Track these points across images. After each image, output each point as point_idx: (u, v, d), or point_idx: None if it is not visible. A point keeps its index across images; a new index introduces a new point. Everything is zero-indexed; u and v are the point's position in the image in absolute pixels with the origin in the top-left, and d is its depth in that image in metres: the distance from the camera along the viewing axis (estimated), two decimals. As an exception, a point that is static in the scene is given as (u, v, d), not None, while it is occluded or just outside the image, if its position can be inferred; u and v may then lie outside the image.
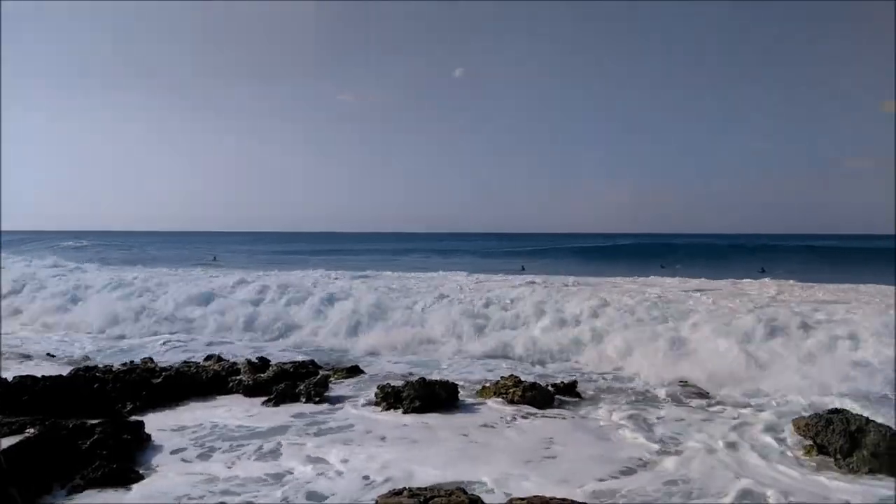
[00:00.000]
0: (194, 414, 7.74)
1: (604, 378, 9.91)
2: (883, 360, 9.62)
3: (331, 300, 15.55)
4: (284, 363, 9.64)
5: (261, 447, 6.49)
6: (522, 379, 8.78)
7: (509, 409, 8.09)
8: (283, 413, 7.80)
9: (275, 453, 6.33)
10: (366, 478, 5.70)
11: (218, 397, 8.55)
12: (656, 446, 6.63)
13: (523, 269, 36.29)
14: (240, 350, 12.08)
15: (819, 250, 49.61)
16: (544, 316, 13.77)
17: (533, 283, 20.99)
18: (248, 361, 9.59)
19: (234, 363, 9.58)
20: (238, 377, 8.87)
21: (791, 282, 23.89)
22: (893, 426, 6.19)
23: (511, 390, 8.40)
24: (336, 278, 21.85)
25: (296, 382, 8.58)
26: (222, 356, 10.48)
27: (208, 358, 10.13)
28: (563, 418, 7.74)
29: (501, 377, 9.01)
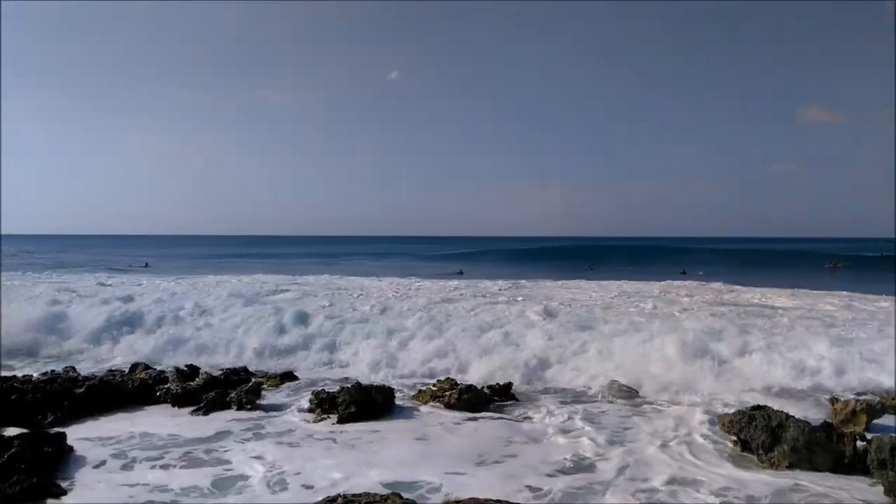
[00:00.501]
0: (120, 425, 7.44)
1: (539, 380, 10.03)
2: (803, 358, 10.15)
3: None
4: (215, 371, 9.40)
5: (190, 457, 6.31)
6: (458, 382, 8.84)
7: (446, 412, 8.12)
8: (214, 422, 7.58)
9: (204, 463, 6.16)
10: (299, 486, 5.62)
11: (146, 407, 8.25)
12: (589, 445, 6.77)
13: (461, 272, 36.65)
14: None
15: (742, 253, 51.77)
16: (481, 319, 13.93)
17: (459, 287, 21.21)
18: (177, 369, 9.29)
19: (162, 371, 9.27)
20: (166, 386, 8.58)
21: (718, 284, 25.12)
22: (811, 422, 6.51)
23: (447, 393, 8.43)
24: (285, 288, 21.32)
25: (227, 390, 8.37)
26: (149, 364, 10.12)
27: (134, 366, 9.75)
28: (500, 420, 7.82)
29: (438, 380, 9.04)
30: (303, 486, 5.62)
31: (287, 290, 20.05)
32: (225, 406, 8.09)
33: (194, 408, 8.05)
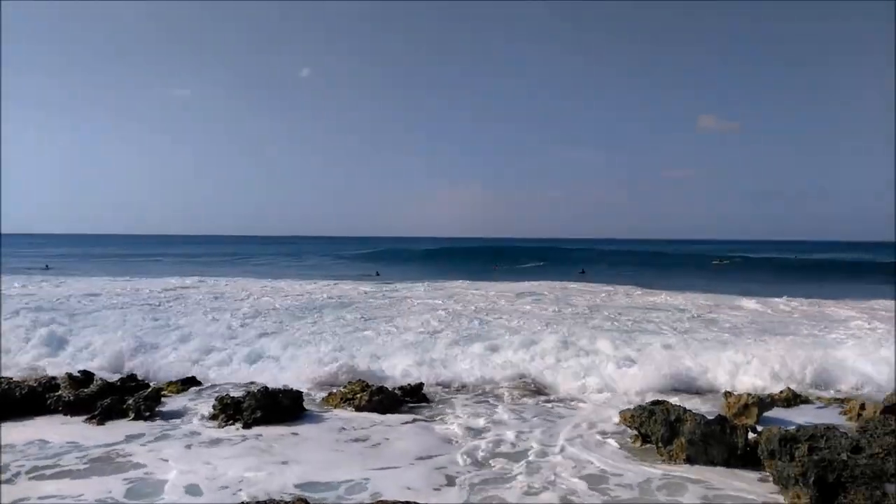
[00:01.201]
0: (4, 436, 6.95)
1: (451, 381, 10.01)
2: (698, 353, 10.58)
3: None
4: (113, 377, 8.92)
5: (82, 470, 5.94)
6: (370, 384, 8.72)
7: (356, 415, 8.00)
8: (110, 431, 7.18)
9: (98, 476, 5.81)
10: (208, 494, 5.40)
11: (35, 418, 7.72)
12: (495, 443, 6.82)
13: (378, 274, 36.72)
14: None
15: (637, 255, 53.84)
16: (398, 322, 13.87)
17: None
18: (69, 375, 8.75)
19: (53, 378, 8.70)
20: (57, 393, 8.08)
21: (622, 285, 26.44)
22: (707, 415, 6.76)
23: (358, 395, 8.31)
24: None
25: (123, 397, 7.95)
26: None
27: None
28: (411, 422, 7.75)
29: (349, 382, 8.90)
30: (209, 493, 5.40)
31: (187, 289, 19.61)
32: (122, 414, 7.69)
33: (88, 416, 7.61)
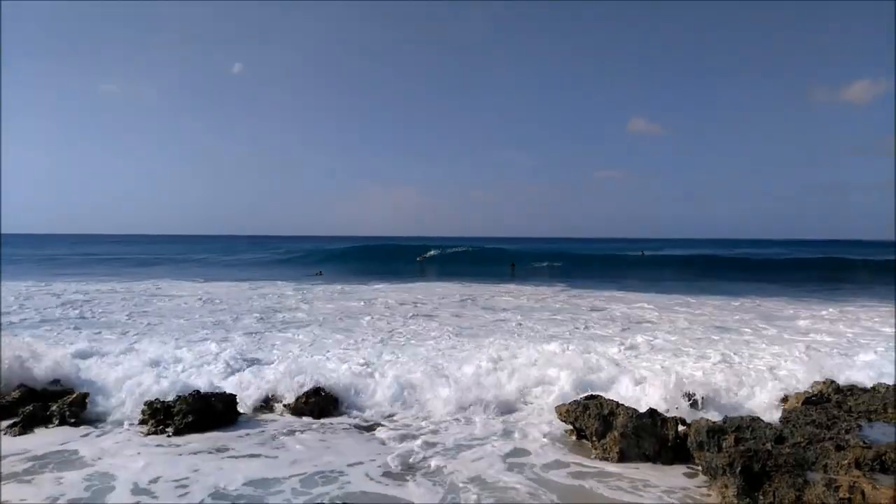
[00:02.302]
0: None
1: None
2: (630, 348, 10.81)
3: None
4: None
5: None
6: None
7: (292, 418, 7.85)
8: (32, 440, 6.87)
9: (16, 490, 5.53)
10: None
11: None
12: (424, 446, 6.77)
13: (320, 273, 36.55)
14: None
15: (565, 256, 54.95)
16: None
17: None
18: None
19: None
20: (-26, 402, 7.69)
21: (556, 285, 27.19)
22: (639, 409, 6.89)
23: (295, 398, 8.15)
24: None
25: (47, 403, 7.62)
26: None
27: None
28: (348, 426, 7.63)
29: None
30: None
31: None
32: (46, 421, 7.37)
33: (9, 423, 7.26)
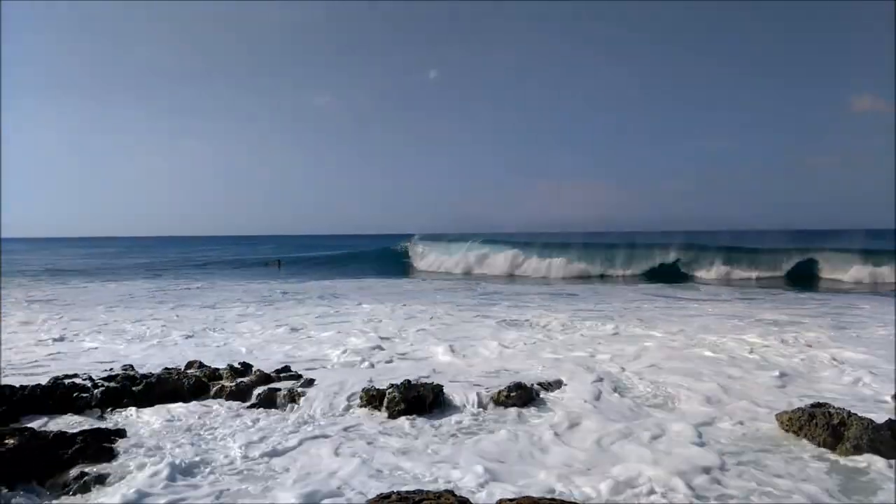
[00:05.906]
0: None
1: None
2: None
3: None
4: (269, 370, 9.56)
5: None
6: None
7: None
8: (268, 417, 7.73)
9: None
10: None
11: (193, 401, 8.38)
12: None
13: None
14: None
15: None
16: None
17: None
18: (230, 367, 9.48)
19: (217, 369, 9.46)
20: (220, 382, 8.80)
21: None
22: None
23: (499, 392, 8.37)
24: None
25: (272, 387, 8.58)
26: (203, 363, 10.31)
27: (189, 365, 9.99)
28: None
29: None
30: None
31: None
32: (272, 404, 8.26)
33: (249, 404, 8.22)
